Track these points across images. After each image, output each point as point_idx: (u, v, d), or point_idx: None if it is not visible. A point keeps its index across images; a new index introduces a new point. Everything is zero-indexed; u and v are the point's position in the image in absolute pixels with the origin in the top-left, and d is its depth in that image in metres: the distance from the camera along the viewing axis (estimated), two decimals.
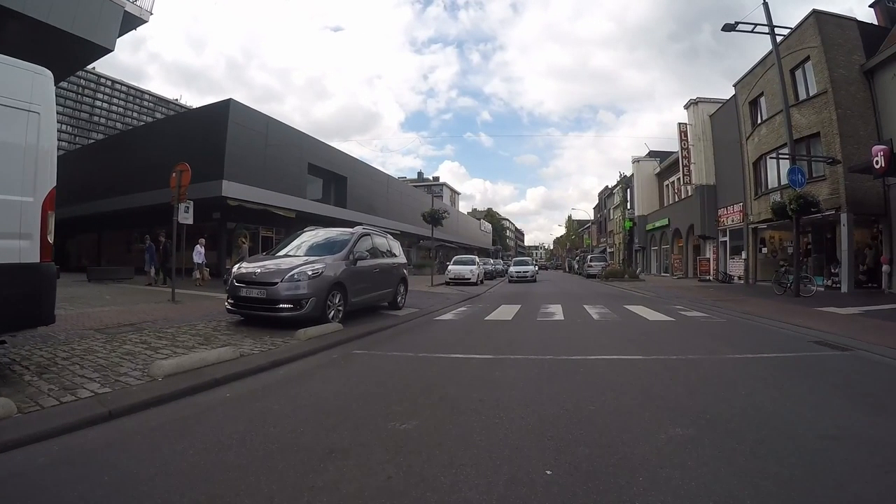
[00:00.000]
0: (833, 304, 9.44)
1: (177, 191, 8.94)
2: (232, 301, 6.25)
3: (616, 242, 42.86)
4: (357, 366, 4.32)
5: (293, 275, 5.93)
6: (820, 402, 3.19)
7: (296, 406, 3.04)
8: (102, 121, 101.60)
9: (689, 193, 24.76)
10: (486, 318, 8.09)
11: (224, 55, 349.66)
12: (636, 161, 35.00)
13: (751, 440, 2.42)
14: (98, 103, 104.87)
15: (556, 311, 8.97)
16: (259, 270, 6.19)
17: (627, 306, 9.99)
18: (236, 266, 6.76)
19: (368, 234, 8.04)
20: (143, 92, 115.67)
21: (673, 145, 27.15)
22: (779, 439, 2.44)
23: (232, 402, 3.20)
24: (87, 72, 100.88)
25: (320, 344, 5.12)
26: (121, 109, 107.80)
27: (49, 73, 4.23)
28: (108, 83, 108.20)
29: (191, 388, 3.41)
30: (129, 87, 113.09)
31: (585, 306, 9.98)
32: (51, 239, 3.91)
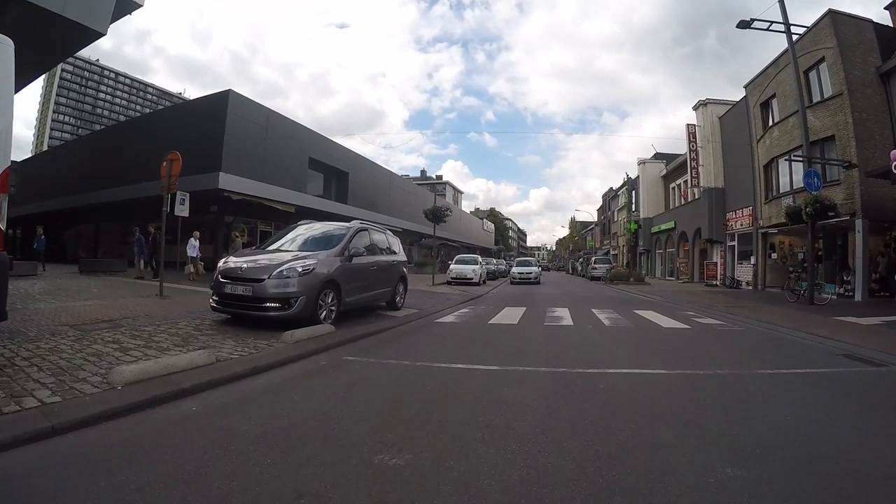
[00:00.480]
0: (850, 313, 9.03)
1: (167, 180, 8.54)
2: (217, 298, 5.78)
3: (620, 245, 42.39)
4: (346, 376, 3.85)
5: (282, 271, 5.47)
6: (876, 430, 2.78)
7: (268, 427, 2.58)
8: (106, 113, 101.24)
9: (697, 196, 24.26)
10: (491, 322, 7.65)
11: (228, 50, 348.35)
12: (642, 163, 34.47)
13: (816, 484, 2.01)
14: (102, 95, 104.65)
15: (564, 316, 8.54)
16: (246, 265, 5.73)
17: (638, 311, 9.55)
18: (222, 260, 6.30)
19: (366, 230, 7.57)
20: (146, 85, 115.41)
21: (678, 148, 26.76)
22: (847, 481, 2.05)
23: (196, 418, 2.75)
24: (90, 63, 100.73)
25: (308, 348, 4.67)
26: (124, 102, 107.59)
27: (10, 41, 3.77)
28: (112, 75, 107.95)
29: (152, 400, 2.97)
30: (132, 79, 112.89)
31: (594, 310, 9.55)
32: (3, 226, 3.48)
